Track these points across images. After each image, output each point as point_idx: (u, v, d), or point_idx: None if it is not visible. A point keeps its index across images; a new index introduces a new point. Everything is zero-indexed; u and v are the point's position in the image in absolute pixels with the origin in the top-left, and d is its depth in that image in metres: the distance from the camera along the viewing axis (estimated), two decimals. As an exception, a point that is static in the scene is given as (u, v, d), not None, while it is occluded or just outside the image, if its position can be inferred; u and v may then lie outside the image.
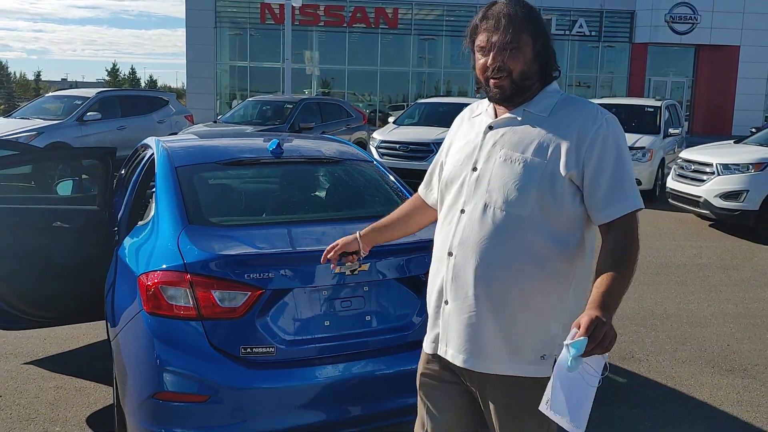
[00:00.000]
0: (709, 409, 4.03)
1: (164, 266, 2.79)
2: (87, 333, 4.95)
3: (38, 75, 51.75)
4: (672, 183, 9.92)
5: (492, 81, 1.93)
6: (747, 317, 5.73)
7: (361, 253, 2.34)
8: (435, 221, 2.17)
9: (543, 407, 1.70)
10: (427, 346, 2.13)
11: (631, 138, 11.83)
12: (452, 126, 2.20)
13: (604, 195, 1.85)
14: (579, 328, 1.63)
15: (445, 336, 2.02)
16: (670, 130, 12.50)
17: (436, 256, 2.07)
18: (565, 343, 1.62)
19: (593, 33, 27.83)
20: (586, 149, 1.85)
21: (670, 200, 10.03)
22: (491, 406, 2.02)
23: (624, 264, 1.79)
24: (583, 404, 1.68)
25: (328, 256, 2.33)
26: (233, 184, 3.84)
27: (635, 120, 12.98)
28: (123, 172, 4.96)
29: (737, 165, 8.94)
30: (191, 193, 3.30)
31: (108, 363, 4.14)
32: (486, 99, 2.06)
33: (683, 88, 29.09)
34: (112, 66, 55.35)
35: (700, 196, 9.14)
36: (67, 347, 4.74)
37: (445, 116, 12.98)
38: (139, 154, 4.61)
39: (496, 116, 2.01)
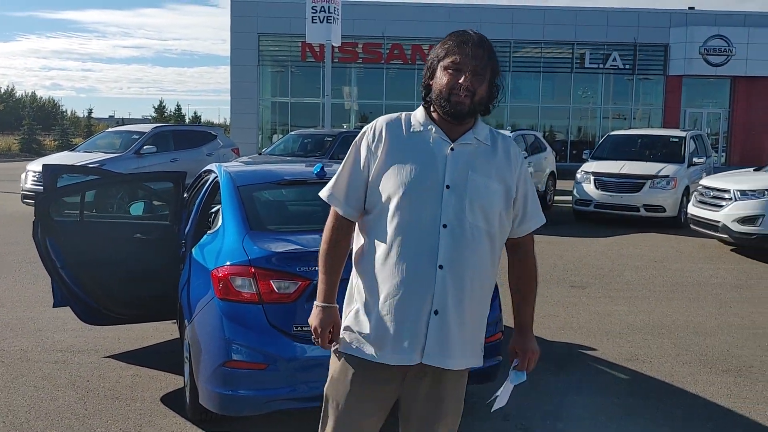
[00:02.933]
0: (700, 400, 4.55)
1: (233, 262, 3.52)
2: (154, 334, 5.69)
3: (90, 112, 54.01)
4: (693, 209, 10.38)
5: (456, 98, 2.15)
6: (751, 328, 6.20)
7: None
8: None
9: (494, 403, 2.44)
10: (394, 359, 2.19)
11: (655, 167, 12.37)
12: (378, 135, 2.23)
13: (529, 211, 2.32)
14: (517, 353, 2.40)
15: (432, 345, 2.17)
16: (695, 160, 12.95)
17: (414, 269, 2.15)
18: (512, 369, 2.41)
19: (627, 66, 28.28)
20: (518, 176, 2.28)
21: (691, 226, 10.47)
22: (446, 396, 2.29)
23: (536, 284, 2.41)
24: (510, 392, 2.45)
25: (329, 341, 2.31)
26: (285, 200, 4.57)
27: (661, 150, 13.49)
28: (186, 195, 5.73)
29: (754, 191, 9.40)
30: (251, 206, 4.06)
31: (174, 356, 4.89)
32: (416, 113, 2.28)
33: (720, 120, 29.23)
34: (159, 103, 57.46)
35: (718, 221, 9.59)
36: (138, 345, 5.48)
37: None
38: (202, 179, 5.38)
39: (448, 137, 2.21)
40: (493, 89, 2.23)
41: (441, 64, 2.20)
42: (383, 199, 2.19)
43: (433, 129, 2.23)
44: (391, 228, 2.17)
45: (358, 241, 2.33)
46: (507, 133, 14.34)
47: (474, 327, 2.27)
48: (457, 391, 2.35)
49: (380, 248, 2.20)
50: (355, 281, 2.32)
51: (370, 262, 2.23)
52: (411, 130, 2.24)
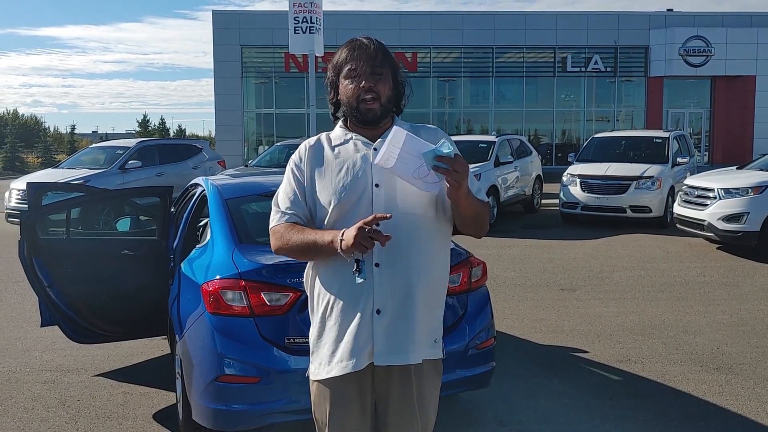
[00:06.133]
0: (693, 399, 4.57)
1: (223, 275, 3.50)
2: (144, 351, 5.64)
3: (73, 128, 53.64)
4: (678, 208, 10.46)
5: (363, 104, 2.20)
6: (739, 325, 6.24)
7: None
8: None
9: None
10: (339, 367, 2.18)
11: (639, 168, 12.45)
12: (303, 157, 2.29)
13: (472, 186, 2.23)
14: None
15: (379, 344, 2.16)
16: (679, 160, 13.05)
17: (349, 272, 2.10)
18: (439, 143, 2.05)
19: (608, 69, 28.49)
20: None
21: (677, 225, 10.55)
22: (415, 392, 2.25)
23: (486, 207, 2.26)
24: (404, 174, 2.07)
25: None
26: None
27: (645, 151, 13.60)
28: (173, 209, 5.70)
29: (737, 189, 9.49)
30: (239, 219, 4.04)
31: (166, 373, 4.85)
32: (335, 129, 2.33)
33: (702, 119, 29.52)
34: (143, 117, 57.30)
35: (704, 220, 9.67)
36: (129, 362, 5.43)
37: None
38: (189, 193, 5.35)
39: (369, 140, 2.26)
40: (399, 86, 2.28)
41: (341, 76, 2.25)
42: (320, 214, 2.24)
43: (354, 136, 2.29)
44: None
45: (308, 266, 2.34)
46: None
47: (428, 317, 2.24)
48: (430, 387, 2.32)
49: (320, 263, 2.24)
50: (310, 303, 2.33)
51: (316, 276, 2.28)
52: (333, 144, 2.30)
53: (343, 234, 2.08)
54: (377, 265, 2.15)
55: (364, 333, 2.16)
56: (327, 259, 2.20)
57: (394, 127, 2.10)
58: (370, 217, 2.04)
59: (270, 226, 2.29)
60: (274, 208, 2.31)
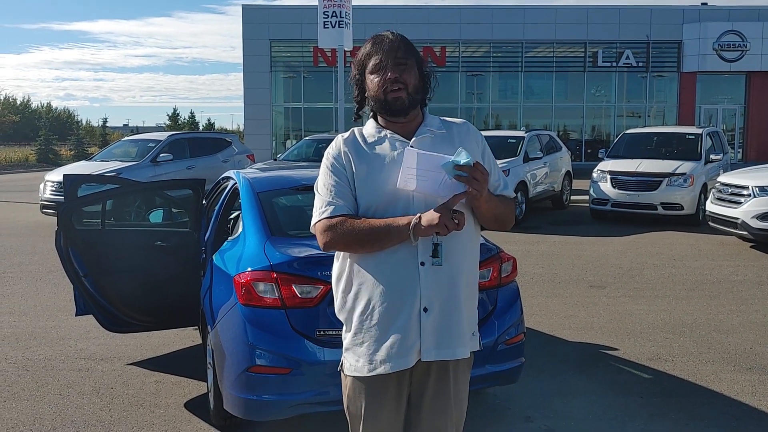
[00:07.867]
0: (724, 399, 4.51)
1: (255, 267, 3.55)
2: (176, 341, 5.73)
3: (105, 122, 54.45)
4: (711, 206, 10.30)
5: (391, 94, 2.19)
6: (774, 326, 6.14)
7: None
8: None
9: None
10: (387, 366, 2.19)
11: (672, 164, 12.28)
12: (343, 150, 2.24)
13: (499, 181, 2.33)
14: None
15: (428, 341, 2.18)
16: (712, 157, 12.85)
17: (396, 272, 2.15)
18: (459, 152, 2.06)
19: (640, 64, 28.10)
20: (482, 151, 2.31)
21: (710, 223, 10.38)
22: (452, 389, 2.29)
23: (510, 204, 2.34)
24: (428, 190, 2.10)
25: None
26: (303, 205, 4.59)
27: (677, 147, 13.41)
28: (204, 202, 5.78)
29: (773, 187, 9.31)
30: (271, 212, 4.09)
31: (197, 363, 4.92)
32: (366, 126, 2.32)
33: (736, 116, 28.98)
34: (173, 111, 57.94)
35: (737, 218, 9.51)
36: (161, 352, 5.52)
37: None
38: (221, 186, 5.42)
39: (403, 137, 2.25)
40: (425, 78, 2.28)
41: (366, 71, 2.25)
42: (360, 212, 2.21)
43: (387, 133, 2.27)
44: None
45: (341, 262, 2.30)
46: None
47: (470, 311, 2.29)
48: (463, 382, 2.36)
49: (362, 260, 2.21)
50: (343, 300, 2.29)
51: (353, 276, 2.24)
52: (368, 141, 2.27)
53: (419, 218, 2.07)
54: (422, 264, 2.15)
55: (412, 332, 2.17)
56: (373, 257, 2.18)
57: (406, 149, 2.12)
58: (450, 198, 2.07)
59: (316, 220, 2.20)
60: (319, 203, 2.22)
